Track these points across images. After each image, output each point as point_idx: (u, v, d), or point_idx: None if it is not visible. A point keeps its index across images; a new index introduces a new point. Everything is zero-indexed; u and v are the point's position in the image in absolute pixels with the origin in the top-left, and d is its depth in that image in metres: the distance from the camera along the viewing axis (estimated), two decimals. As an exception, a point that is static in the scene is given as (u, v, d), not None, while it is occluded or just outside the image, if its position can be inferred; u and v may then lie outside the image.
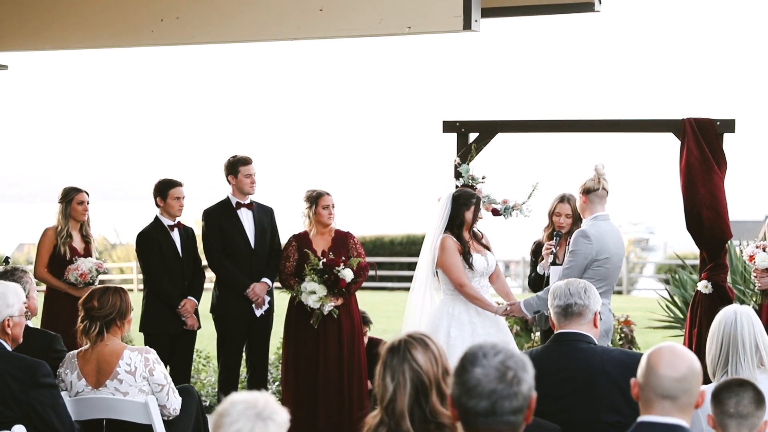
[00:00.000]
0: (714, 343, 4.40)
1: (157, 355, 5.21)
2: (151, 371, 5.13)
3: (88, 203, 7.97)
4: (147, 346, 5.33)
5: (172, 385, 5.23)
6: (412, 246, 28.05)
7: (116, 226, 35.51)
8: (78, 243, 7.89)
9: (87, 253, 7.90)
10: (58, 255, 7.78)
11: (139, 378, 5.10)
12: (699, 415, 4.05)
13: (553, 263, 7.04)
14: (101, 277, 8.09)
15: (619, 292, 26.23)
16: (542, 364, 4.36)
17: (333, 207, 7.49)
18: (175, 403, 5.20)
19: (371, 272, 7.66)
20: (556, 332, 4.52)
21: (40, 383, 4.69)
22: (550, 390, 4.33)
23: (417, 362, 3.33)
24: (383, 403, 3.33)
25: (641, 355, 4.43)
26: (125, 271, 29.47)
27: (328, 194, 7.50)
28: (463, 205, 6.90)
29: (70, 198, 7.89)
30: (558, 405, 4.34)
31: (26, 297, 5.08)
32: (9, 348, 4.82)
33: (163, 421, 5.14)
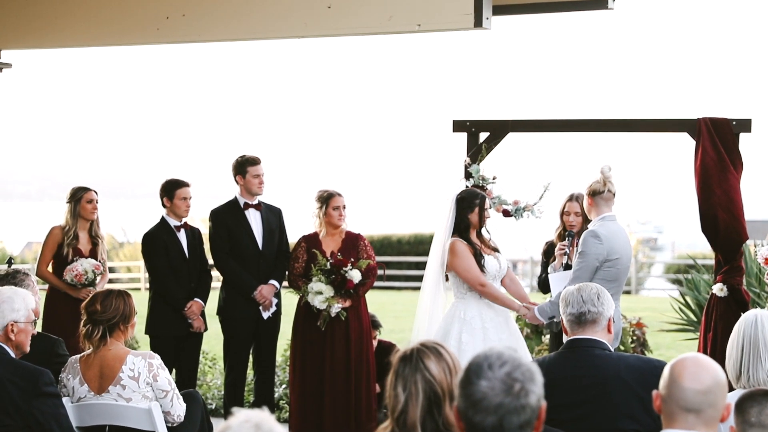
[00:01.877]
0: (734, 347, 4.29)
1: (161, 360, 5.11)
2: (155, 377, 5.02)
3: (97, 201, 7.88)
4: (151, 351, 5.23)
5: (177, 391, 5.12)
6: (419, 245, 27.98)
7: (123, 225, 35.52)
8: (84, 244, 7.78)
9: (93, 254, 7.77)
10: (61, 254, 7.69)
11: (143, 384, 4.99)
12: (720, 429, 3.93)
13: (567, 264, 6.94)
14: (109, 276, 8.00)
15: (628, 292, 26.12)
16: (556, 371, 4.26)
17: (344, 208, 7.38)
18: (179, 409, 5.10)
19: (379, 272, 7.56)
20: (569, 338, 4.40)
21: (43, 392, 4.58)
22: (565, 398, 4.21)
23: (430, 372, 3.21)
24: (394, 414, 3.21)
25: (658, 361, 4.33)
26: (132, 270, 29.40)
27: (339, 195, 7.38)
28: (467, 208, 6.76)
29: (79, 197, 7.79)
30: (573, 413, 4.22)
31: None
32: (12, 354, 4.71)
33: (168, 427, 5.04)
